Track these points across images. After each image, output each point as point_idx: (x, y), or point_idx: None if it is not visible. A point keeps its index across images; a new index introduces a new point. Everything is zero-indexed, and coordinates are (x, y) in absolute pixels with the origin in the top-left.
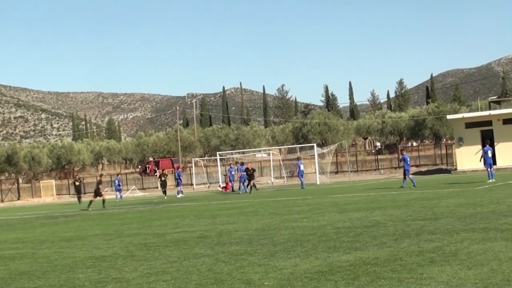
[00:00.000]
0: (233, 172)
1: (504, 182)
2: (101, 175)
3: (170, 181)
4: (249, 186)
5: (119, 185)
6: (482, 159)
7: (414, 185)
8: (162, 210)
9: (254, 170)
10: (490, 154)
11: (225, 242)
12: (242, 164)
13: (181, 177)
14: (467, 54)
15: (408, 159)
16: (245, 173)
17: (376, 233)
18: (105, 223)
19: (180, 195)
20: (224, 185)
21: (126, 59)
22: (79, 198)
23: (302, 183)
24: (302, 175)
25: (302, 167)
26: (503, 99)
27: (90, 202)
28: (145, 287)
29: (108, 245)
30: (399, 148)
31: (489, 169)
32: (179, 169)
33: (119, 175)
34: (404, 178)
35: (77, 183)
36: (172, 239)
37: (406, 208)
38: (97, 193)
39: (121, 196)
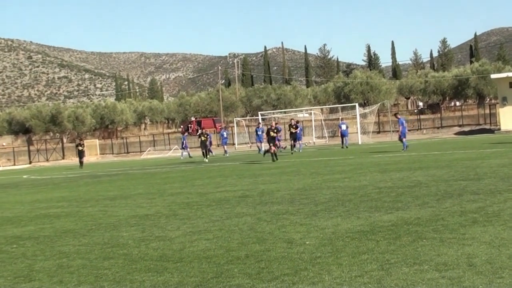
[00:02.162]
0: (259, 133)
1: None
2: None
3: (214, 141)
4: (290, 146)
5: (224, 138)
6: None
7: (403, 149)
8: (205, 169)
9: (276, 129)
10: None
11: (266, 202)
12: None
13: (227, 136)
14: (511, 12)
15: (405, 122)
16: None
17: (418, 193)
18: (148, 182)
19: (226, 155)
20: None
21: (168, 19)
22: (81, 162)
23: (343, 142)
24: (345, 135)
25: (344, 127)
26: None
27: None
28: (188, 246)
29: (151, 204)
30: (394, 112)
31: None
32: (224, 129)
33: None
34: (401, 140)
35: (80, 148)
36: (214, 198)
37: (449, 168)
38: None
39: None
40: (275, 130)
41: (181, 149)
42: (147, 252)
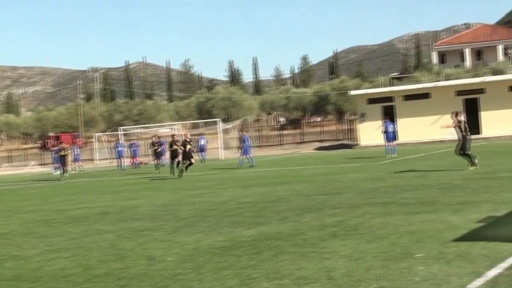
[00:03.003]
0: (119, 149)
1: (405, 157)
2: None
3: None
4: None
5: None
6: (384, 134)
7: (244, 164)
8: (64, 186)
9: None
10: (390, 129)
11: (127, 218)
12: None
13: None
14: (369, 31)
15: (248, 139)
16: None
17: (279, 208)
18: (3, 200)
19: (75, 171)
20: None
21: (26, 31)
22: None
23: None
24: (203, 150)
25: (202, 142)
26: (404, 75)
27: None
28: (45, 265)
29: (6, 222)
30: (239, 129)
31: (388, 144)
32: (75, 145)
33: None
34: (242, 156)
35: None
36: (73, 216)
37: (309, 183)
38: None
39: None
40: (191, 142)
41: (54, 163)
42: (1, 272)
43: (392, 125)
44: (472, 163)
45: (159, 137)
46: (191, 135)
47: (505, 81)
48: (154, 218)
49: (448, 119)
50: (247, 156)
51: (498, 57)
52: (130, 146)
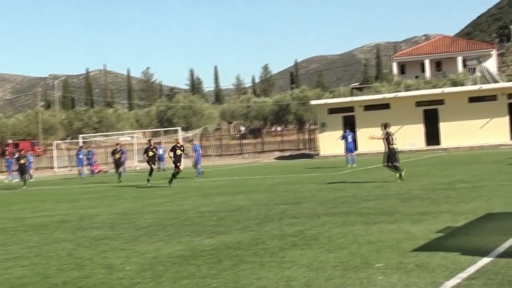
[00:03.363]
0: (80, 156)
1: (364, 167)
2: None
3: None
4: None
5: None
6: (343, 141)
7: (198, 175)
8: (22, 194)
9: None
10: (350, 139)
11: (86, 227)
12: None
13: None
14: (330, 41)
15: (200, 149)
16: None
17: (239, 217)
18: None
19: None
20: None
21: None
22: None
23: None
24: (162, 159)
25: (161, 151)
26: (364, 85)
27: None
28: (2, 273)
29: None
30: (190, 139)
31: (348, 154)
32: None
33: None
34: (195, 167)
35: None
36: (31, 224)
37: (269, 193)
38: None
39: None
40: (182, 148)
41: (12, 171)
42: None
43: (351, 135)
44: (400, 176)
45: (121, 146)
46: (159, 143)
47: (465, 92)
48: (113, 226)
49: (408, 130)
50: (197, 166)
51: (458, 68)
52: (87, 154)
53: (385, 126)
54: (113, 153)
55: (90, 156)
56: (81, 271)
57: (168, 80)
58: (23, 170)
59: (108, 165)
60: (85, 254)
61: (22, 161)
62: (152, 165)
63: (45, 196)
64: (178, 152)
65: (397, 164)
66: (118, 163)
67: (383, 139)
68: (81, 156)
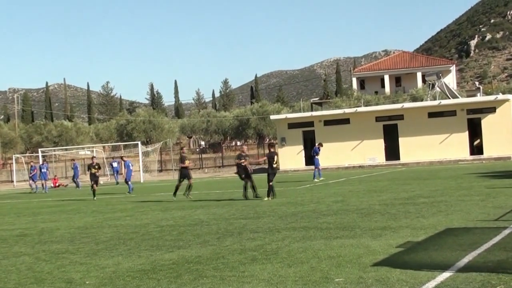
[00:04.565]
0: (44, 170)
1: (324, 182)
2: None
3: None
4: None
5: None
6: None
7: (129, 192)
8: None
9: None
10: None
11: (46, 241)
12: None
13: None
14: (290, 56)
15: (131, 165)
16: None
17: (199, 231)
18: None
19: None
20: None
21: None
22: None
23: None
24: (117, 172)
25: (115, 165)
26: (324, 100)
27: None
28: None
29: None
30: (121, 155)
31: (316, 169)
32: None
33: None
34: (127, 183)
35: None
36: None
37: (229, 207)
38: None
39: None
40: (186, 157)
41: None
42: None
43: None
44: (268, 195)
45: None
46: (112, 157)
47: (424, 107)
48: (73, 240)
49: (367, 145)
50: (128, 181)
51: (417, 84)
52: (40, 167)
53: (270, 146)
54: (89, 167)
55: (44, 170)
56: (41, 285)
57: (128, 94)
58: None
59: (68, 179)
60: (45, 268)
61: None
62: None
63: (4, 210)
64: (187, 162)
65: (272, 184)
66: (95, 178)
67: (266, 159)
68: (44, 170)
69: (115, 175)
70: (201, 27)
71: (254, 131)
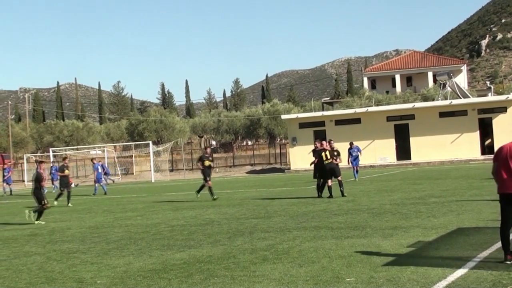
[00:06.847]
0: (53, 171)
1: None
2: None
3: None
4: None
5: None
6: (349, 158)
7: (94, 194)
8: None
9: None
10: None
11: (57, 240)
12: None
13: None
14: (301, 55)
15: (100, 167)
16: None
17: (210, 231)
18: None
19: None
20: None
21: None
22: None
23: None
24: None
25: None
26: (335, 100)
27: None
28: None
29: None
30: (92, 158)
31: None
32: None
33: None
34: (96, 184)
35: None
36: (1, 237)
37: (240, 207)
38: None
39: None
40: (208, 157)
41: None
42: None
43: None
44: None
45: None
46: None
47: (435, 107)
48: (84, 240)
49: (378, 144)
50: (101, 184)
51: (428, 83)
52: (50, 168)
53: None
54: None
55: (53, 171)
56: (52, 285)
57: (139, 94)
58: None
59: (79, 179)
60: (56, 268)
61: None
62: None
63: (15, 210)
64: (207, 162)
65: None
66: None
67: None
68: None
69: (107, 176)
70: (212, 27)
71: (265, 130)
